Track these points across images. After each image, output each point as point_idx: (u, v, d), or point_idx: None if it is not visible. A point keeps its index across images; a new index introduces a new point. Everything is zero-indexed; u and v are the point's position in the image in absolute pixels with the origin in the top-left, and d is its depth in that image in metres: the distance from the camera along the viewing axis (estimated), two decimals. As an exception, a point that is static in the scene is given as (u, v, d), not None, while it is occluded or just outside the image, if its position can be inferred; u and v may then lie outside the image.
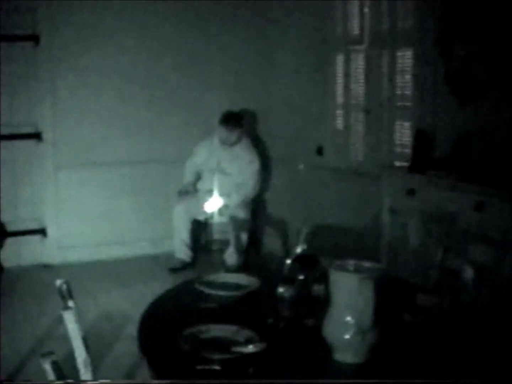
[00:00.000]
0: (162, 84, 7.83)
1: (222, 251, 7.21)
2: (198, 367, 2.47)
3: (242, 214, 7.17)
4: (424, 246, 4.92)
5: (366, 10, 6.44)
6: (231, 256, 7.06)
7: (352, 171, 6.56)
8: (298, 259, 3.03)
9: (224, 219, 7.04)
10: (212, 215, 7.04)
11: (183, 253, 7.33)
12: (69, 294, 2.96)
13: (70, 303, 2.94)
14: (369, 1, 6.39)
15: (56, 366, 2.36)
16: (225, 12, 7.96)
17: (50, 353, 2.41)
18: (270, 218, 7.85)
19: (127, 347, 5.06)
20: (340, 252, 3.13)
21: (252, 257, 7.39)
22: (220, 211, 6.95)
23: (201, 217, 7.25)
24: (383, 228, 5.48)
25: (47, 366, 2.36)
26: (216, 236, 7.41)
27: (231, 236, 7.10)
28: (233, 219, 7.02)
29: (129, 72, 7.68)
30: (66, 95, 7.45)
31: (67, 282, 2.97)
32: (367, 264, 2.64)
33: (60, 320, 4.85)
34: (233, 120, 7.26)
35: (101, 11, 7.50)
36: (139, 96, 7.75)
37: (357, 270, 2.61)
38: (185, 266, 7.29)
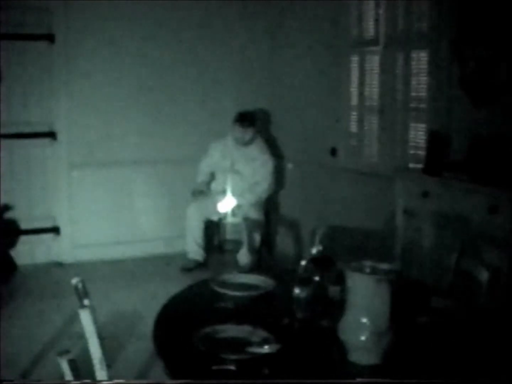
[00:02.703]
0: (176, 84, 7.85)
1: (234, 251, 7.22)
2: (214, 367, 2.48)
3: (255, 214, 7.18)
4: (439, 248, 4.91)
5: (381, 11, 6.42)
6: (243, 256, 7.07)
7: (366, 172, 6.54)
8: (313, 260, 3.03)
9: (237, 219, 7.05)
10: (225, 215, 7.05)
11: (195, 253, 7.34)
12: (85, 293, 2.97)
13: (86, 302, 2.95)
14: (385, 3, 6.37)
15: (73, 364, 2.37)
16: (239, 11, 7.98)
17: (67, 351, 2.42)
18: (283, 218, 7.85)
19: (140, 346, 5.08)
20: (353, 254, 3.13)
21: (264, 257, 7.39)
22: (233, 212, 6.95)
23: (214, 217, 7.25)
24: (397, 230, 5.46)
25: (64, 364, 2.37)
26: (229, 236, 7.43)
27: (244, 237, 7.11)
28: (246, 220, 7.03)
29: (144, 72, 7.71)
30: (81, 94, 7.49)
31: (83, 281, 2.98)
32: (383, 265, 2.63)
33: (75, 318, 4.89)
34: (247, 119, 7.27)
35: (115, 10, 7.53)
36: (153, 96, 7.78)
37: (373, 271, 2.61)
38: (197, 266, 7.30)
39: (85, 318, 2.90)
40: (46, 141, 7.47)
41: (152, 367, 4.68)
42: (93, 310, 2.96)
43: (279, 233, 7.88)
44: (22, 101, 7.31)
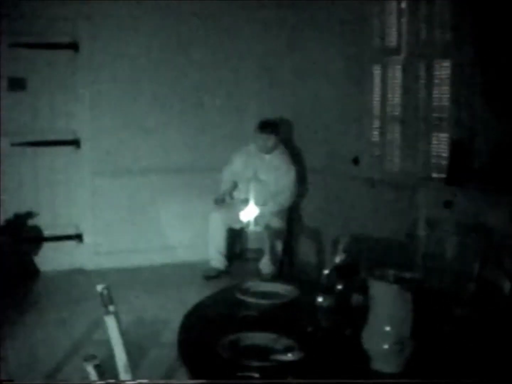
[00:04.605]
0: (199, 92, 7.89)
1: (257, 259, 7.24)
2: (238, 374, 2.49)
3: (277, 223, 7.18)
4: (461, 258, 4.90)
5: (403, 21, 6.44)
6: (266, 265, 7.07)
7: (388, 182, 6.54)
8: (337, 269, 3.04)
9: (260, 228, 7.05)
10: (247, 224, 7.06)
11: (218, 261, 7.35)
12: (110, 299, 3.00)
13: (111, 308, 2.98)
14: (407, 12, 6.38)
15: (99, 369, 2.39)
16: (261, 21, 8.01)
17: (93, 356, 2.45)
18: (305, 227, 7.85)
19: (162, 353, 5.09)
20: (375, 263, 3.13)
21: (286, 266, 7.40)
22: (256, 220, 6.95)
23: (236, 226, 7.25)
24: (419, 240, 5.46)
25: (91, 370, 2.39)
26: (251, 245, 7.44)
27: (266, 245, 7.12)
28: (268, 228, 7.03)
29: (167, 81, 7.75)
30: (105, 102, 7.54)
31: (108, 287, 3.01)
32: (406, 274, 2.64)
33: (98, 325, 4.93)
34: (269, 126, 7.31)
35: (139, 20, 7.58)
36: (176, 105, 7.81)
37: (396, 280, 2.62)
38: (219, 274, 7.30)
39: (111, 324, 2.93)
40: (69, 148, 7.52)
41: (175, 374, 4.69)
42: (117, 316, 2.99)
43: (301, 241, 7.88)
44: (46, 110, 7.39)
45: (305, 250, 7.70)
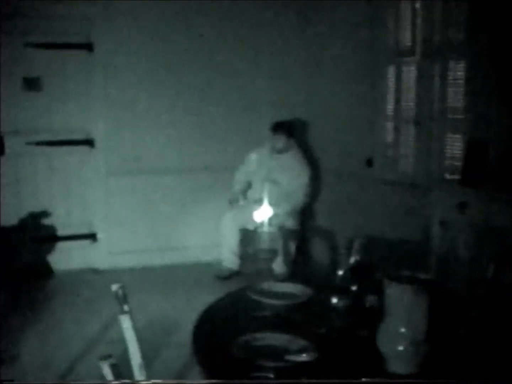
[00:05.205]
0: (213, 92, 7.90)
1: (270, 260, 7.23)
2: (252, 375, 2.49)
3: (291, 223, 7.19)
4: (475, 260, 4.88)
5: (418, 21, 6.42)
6: (279, 266, 7.07)
7: (402, 183, 6.52)
8: (351, 269, 3.04)
9: (273, 228, 7.05)
10: (261, 224, 7.06)
11: (231, 261, 7.36)
12: (125, 299, 3.00)
13: (126, 308, 2.98)
14: (421, 13, 6.37)
15: (115, 368, 2.40)
16: (275, 21, 8.01)
17: (109, 356, 2.45)
18: (319, 228, 7.85)
19: (175, 353, 5.10)
20: (389, 264, 3.13)
21: (300, 266, 7.39)
22: (270, 221, 6.96)
23: (250, 226, 7.26)
24: (433, 241, 5.44)
25: (107, 369, 2.40)
26: (265, 245, 7.43)
27: (279, 245, 7.12)
28: (282, 229, 7.03)
29: (181, 80, 7.77)
30: (119, 102, 7.57)
31: (123, 287, 3.01)
32: (421, 276, 2.64)
33: (111, 324, 4.94)
34: (283, 127, 7.32)
35: (155, 19, 7.60)
36: (190, 104, 7.83)
37: (412, 281, 2.61)
38: (232, 275, 7.32)
39: (126, 324, 2.94)
40: (84, 148, 7.56)
41: (188, 375, 4.70)
42: (132, 315, 2.99)
43: (315, 242, 7.88)
44: (60, 109, 7.42)
45: (319, 251, 7.69)
